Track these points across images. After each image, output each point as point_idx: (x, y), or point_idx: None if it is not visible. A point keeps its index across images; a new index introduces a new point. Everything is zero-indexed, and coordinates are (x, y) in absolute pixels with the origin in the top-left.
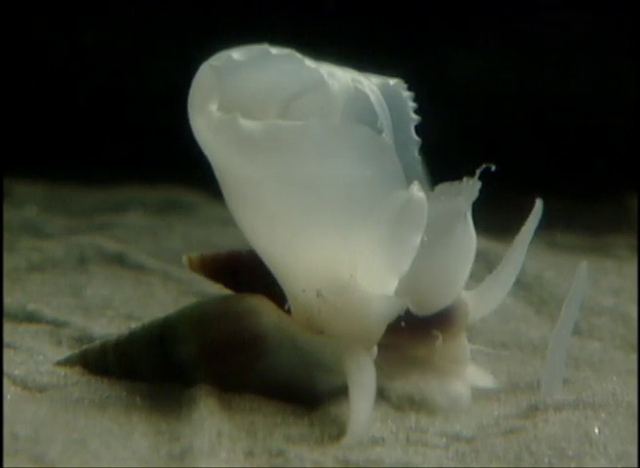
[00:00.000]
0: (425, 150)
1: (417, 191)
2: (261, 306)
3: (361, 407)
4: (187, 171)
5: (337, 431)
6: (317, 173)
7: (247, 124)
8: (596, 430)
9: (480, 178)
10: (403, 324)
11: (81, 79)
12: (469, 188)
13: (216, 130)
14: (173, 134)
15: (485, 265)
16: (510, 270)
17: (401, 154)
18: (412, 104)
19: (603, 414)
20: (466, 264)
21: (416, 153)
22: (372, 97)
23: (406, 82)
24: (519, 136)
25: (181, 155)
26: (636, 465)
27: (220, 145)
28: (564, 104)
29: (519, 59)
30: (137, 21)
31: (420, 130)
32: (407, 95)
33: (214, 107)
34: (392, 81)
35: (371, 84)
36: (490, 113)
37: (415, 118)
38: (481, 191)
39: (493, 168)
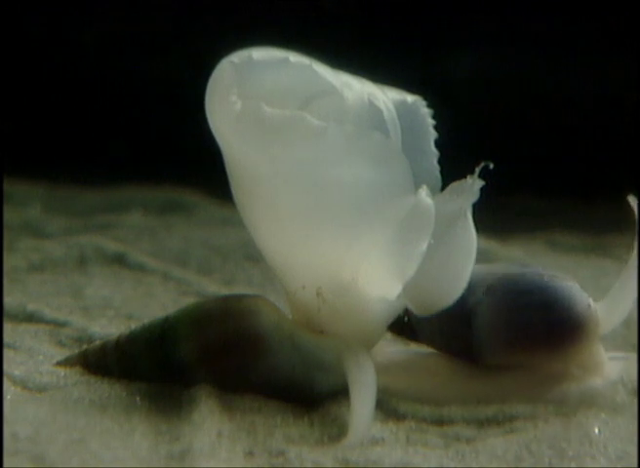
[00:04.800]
0: None
1: (424, 197)
2: (261, 306)
3: (362, 407)
4: (187, 171)
5: (337, 431)
6: (328, 173)
7: (270, 110)
8: (596, 430)
9: (481, 178)
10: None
11: (81, 78)
12: (470, 187)
13: (238, 118)
14: (173, 133)
15: None
16: (634, 278)
17: (418, 164)
18: (430, 121)
19: (603, 414)
20: (467, 263)
21: (434, 162)
22: (385, 114)
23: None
24: (519, 136)
25: (181, 155)
26: (636, 465)
27: (240, 135)
28: (564, 104)
29: (519, 60)
30: (137, 20)
31: None
32: (425, 112)
33: (235, 98)
34: (411, 98)
35: (387, 99)
36: (489, 113)
37: (433, 133)
38: (481, 191)
39: (491, 166)
